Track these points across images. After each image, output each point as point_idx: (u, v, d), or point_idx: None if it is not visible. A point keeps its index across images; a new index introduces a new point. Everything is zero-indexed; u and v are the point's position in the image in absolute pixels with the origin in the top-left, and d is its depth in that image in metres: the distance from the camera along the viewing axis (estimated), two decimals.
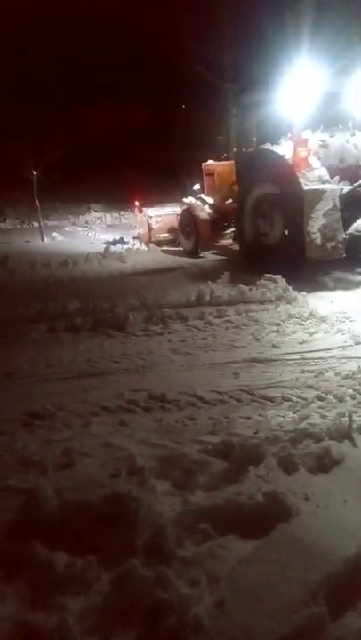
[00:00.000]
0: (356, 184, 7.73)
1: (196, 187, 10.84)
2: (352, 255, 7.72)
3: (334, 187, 7.42)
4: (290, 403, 3.65)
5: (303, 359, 4.52)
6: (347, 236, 7.55)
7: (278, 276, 6.69)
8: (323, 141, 8.11)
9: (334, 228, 7.32)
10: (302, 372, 4.22)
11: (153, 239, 11.72)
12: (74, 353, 5.06)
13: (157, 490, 2.49)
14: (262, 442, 2.90)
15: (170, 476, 2.67)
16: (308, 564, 2.07)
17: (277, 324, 5.46)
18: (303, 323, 5.47)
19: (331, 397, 3.66)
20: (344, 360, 4.44)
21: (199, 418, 3.50)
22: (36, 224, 16.23)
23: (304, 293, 6.52)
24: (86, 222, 19.42)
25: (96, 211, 20.75)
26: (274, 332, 5.28)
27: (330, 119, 8.38)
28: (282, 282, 6.62)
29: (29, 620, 1.86)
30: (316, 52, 8.24)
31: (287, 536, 2.21)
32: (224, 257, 10.19)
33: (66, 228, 18.37)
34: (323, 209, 7.25)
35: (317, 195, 7.24)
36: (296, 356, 4.59)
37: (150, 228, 11.78)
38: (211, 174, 10.40)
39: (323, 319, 5.53)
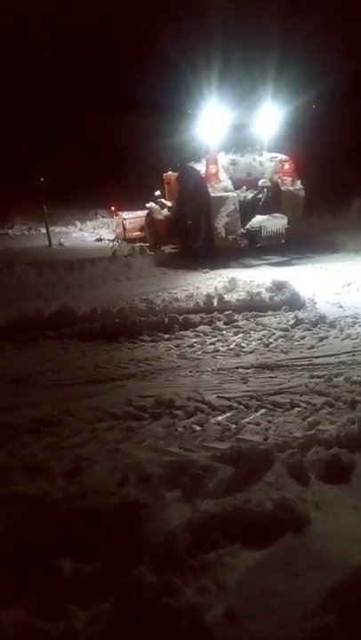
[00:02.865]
0: (256, 192, 10.50)
1: (157, 193, 12.84)
2: (250, 246, 10.24)
3: (234, 194, 9.99)
4: (299, 409, 3.61)
5: (312, 365, 4.48)
6: (244, 231, 10.07)
7: (287, 281, 6.75)
8: (233, 160, 10.79)
9: (234, 225, 9.87)
10: (311, 377, 4.18)
11: (127, 237, 14.00)
12: (81, 359, 5.06)
13: (166, 497, 2.48)
14: (271, 448, 2.87)
15: (178, 482, 2.65)
16: (317, 572, 2.05)
17: (286, 330, 5.43)
18: (312, 328, 5.43)
19: (340, 404, 3.62)
20: (354, 366, 4.40)
21: (207, 424, 3.48)
22: (43, 230, 16.30)
23: (313, 298, 6.51)
24: (93, 228, 19.49)
25: (103, 216, 20.82)
26: (282, 337, 5.25)
27: (242, 142, 11.13)
28: (290, 287, 6.61)
29: (36, 626, 1.85)
30: (226, 92, 11.22)
31: (297, 544, 2.19)
32: (176, 249, 12.15)
33: (73, 234, 18.43)
34: (226, 211, 9.80)
35: (222, 200, 9.83)
36: (305, 362, 4.56)
37: (125, 228, 14.16)
38: (168, 183, 12.47)
39: (332, 324, 5.49)
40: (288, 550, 2.15)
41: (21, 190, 18.78)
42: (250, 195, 10.50)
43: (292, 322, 5.64)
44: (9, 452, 3.17)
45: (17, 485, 2.55)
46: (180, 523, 2.29)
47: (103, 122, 28.62)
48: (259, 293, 6.51)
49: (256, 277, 7.92)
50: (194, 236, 10.69)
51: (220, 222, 9.80)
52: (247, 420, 3.50)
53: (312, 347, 4.94)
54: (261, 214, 10.36)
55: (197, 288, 7.73)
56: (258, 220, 10.26)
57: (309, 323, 5.56)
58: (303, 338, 5.20)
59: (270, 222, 10.25)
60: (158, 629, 1.79)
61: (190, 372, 4.55)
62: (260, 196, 10.47)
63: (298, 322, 5.61)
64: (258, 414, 3.59)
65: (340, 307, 6.27)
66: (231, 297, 6.56)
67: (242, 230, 10.03)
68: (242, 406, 3.71)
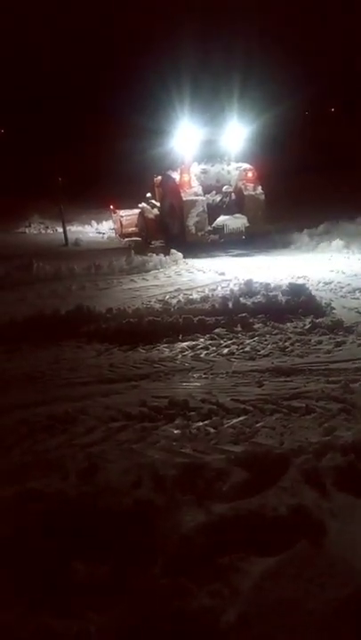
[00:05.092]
0: (222, 196, 12.45)
1: (148, 195, 14.41)
2: (217, 240, 12.03)
3: (203, 198, 11.88)
4: (315, 414, 3.59)
5: (329, 370, 4.44)
6: (211, 228, 11.97)
7: (303, 285, 6.71)
8: (204, 169, 12.71)
9: (203, 223, 11.76)
10: (328, 382, 4.15)
11: (123, 232, 15.35)
12: (96, 358, 5.07)
13: (179, 499, 2.47)
14: (286, 453, 2.85)
15: (192, 485, 2.63)
16: (332, 580, 2.02)
17: (302, 334, 5.40)
18: (329, 333, 5.39)
19: (357, 410, 3.59)
20: None
21: (221, 427, 3.46)
22: (59, 229, 16.39)
23: (329, 302, 6.47)
24: (110, 229, 19.54)
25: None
26: (298, 341, 5.21)
27: (212, 154, 13.09)
28: (307, 291, 6.56)
29: (49, 627, 1.85)
30: (197, 112, 13.77)
31: (312, 551, 2.16)
32: (163, 244, 13.17)
33: (89, 234, 18.51)
34: (196, 212, 11.72)
35: (192, 203, 11.74)
36: (321, 367, 4.52)
37: (121, 225, 15.48)
38: (158, 186, 14.09)
39: (349, 329, 5.45)
40: (303, 557, 2.13)
41: (40, 191, 19.03)
42: (218, 198, 12.50)
43: (308, 326, 5.60)
44: (24, 449, 3.19)
45: (31, 482, 2.56)
46: (193, 525, 2.27)
47: (95, 125, 29.31)
48: (275, 297, 6.48)
49: (272, 280, 7.88)
50: (172, 231, 12.71)
51: (191, 221, 11.72)
52: (262, 423, 3.49)
53: (329, 352, 4.90)
54: (225, 214, 12.18)
55: (213, 290, 7.70)
56: (221, 219, 12.11)
57: (326, 327, 5.51)
58: (320, 342, 5.16)
59: (231, 221, 12.09)
60: (171, 632, 1.78)
61: (205, 374, 4.53)
62: (226, 199, 12.48)
63: (314, 326, 5.57)
64: (273, 418, 3.56)
65: (358, 312, 6.21)
66: (247, 300, 6.53)
67: (209, 228, 11.96)
68: (256, 410, 3.69)
